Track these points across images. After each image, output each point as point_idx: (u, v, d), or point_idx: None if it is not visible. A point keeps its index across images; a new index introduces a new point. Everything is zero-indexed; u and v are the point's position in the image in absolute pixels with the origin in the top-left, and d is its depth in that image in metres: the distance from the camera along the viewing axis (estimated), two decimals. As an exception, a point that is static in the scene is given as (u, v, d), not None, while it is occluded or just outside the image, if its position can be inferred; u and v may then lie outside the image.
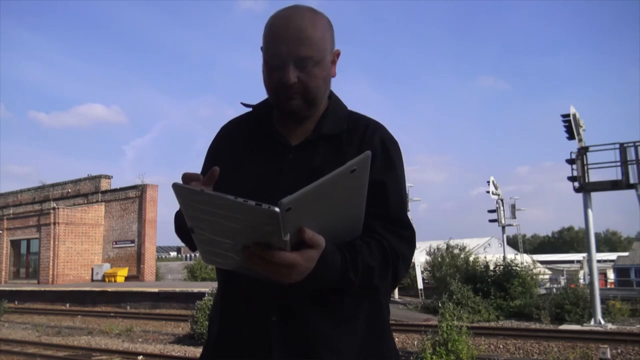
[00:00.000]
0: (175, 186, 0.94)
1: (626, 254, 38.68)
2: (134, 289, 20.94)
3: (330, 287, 1.07)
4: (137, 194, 29.02)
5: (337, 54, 1.28)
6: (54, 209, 29.22)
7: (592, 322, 13.61)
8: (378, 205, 1.14)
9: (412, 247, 1.20)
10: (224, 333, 1.22)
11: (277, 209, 0.85)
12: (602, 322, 13.53)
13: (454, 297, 15.75)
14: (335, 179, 0.93)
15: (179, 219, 1.25)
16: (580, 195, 14.77)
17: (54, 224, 28.50)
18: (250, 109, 1.36)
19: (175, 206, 1.12)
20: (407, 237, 1.19)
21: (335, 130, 1.25)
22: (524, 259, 21.44)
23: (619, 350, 10.03)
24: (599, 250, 31.41)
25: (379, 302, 1.23)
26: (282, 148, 1.25)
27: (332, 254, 1.02)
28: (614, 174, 14.61)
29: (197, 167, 1.37)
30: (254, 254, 0.92)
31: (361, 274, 1.07)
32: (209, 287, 15.13)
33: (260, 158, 1.25)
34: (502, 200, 25.29)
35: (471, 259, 21.63)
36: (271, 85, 1.22)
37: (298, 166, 1.22)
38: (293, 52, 1.16)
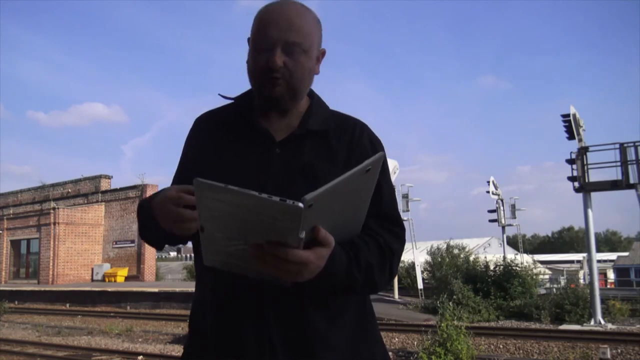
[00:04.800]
0: (196, 181, 0.91)
1: (626, 254, 38.70)
2: (134, 289, 20.96)
3: (336, 285, 1.08)
4: (137, 194, 29.01)
5: (323, 53, 1.29)
6: (54, 209, 29.21)
7: (592, 322, 13.59)
8: (372, 204, 1.14)
9: (403, 244, 1.22)
10: (215, 332, 1.19)
11: (301, 205, 0.85)
12: (602, 322, 13.52)
13: (454, 297, 15.74)
14: (352, 177, 0.94)
15: (144, 214, 1.19)
16: (580, 195, 14.77)
17: (54, 224, 28.49)
18: (229, 102, 1.34)
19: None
20: (399, 234, 1.22)
21: (322, 127, 1.25)
22: (524, 259, 21.42)
23: (619, 350, 10.02)
24: (599, 250, 31.39)
25: (364, 297, 1.25)
26: (267, 142, 1.24)
27: (339, 252, 1.04)
28: (614, 174, 14.62)
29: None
30: (267, 252, 0.92)
31: (364, 272, 1.09)
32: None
33: (244, 151, 1.23)
34: (502, 200, 25.26)
35: (471, 258, 21.62)
36: (256, 70, 1.21)
37: (286, 161, 1.21)
38: (282, 36, 1.17)
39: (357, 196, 1.02)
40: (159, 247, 1.27)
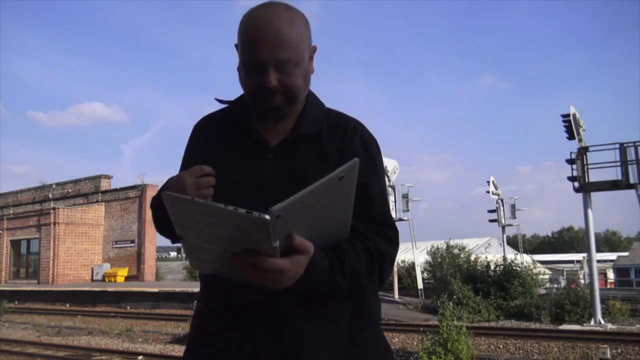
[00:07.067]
0: (165, 195, 0.95)
1: (626, 254, 38.67)
2: (134, 289, 20.97)
3: (319, 291, 1.08)
4: (137, 194, 29.03)
5: (314, 50, 1.25)
6: (54, 209, 29.21)
7: (592, 322, 13.60)
8: (362, 206, 1.13)
9: (396, 247, 1.20)
10: (208, 335, 1.22)
11: (267, 217, 0.86)
12: (602, 322, 13.53)
13: (454, 297, 15.76)
14: (324, 186, 0.93)
15: (160, 210, 1.19)
16: (580, 195, 14.77)
17: (54, 224, 28.49)
18: (225, 106, 1.34)
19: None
20: (391, 237, 1.19)
21: (315, 129, 1.24)
22: (524, 259, 21.43)
23: (619, 350, 10.02)
24: (599, 250, 31.38)
25: (363, 301, 1.23)
26: (261, 148, 1.23)
27: (321, 259, 1.03)
28: (614, 174, 14.63)
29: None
30: (244, 260, 0.93)
31: (349, 277, 1.08)
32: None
33: (239, 158, 1.23)
34: (502, 200, 25.28)
35: (472, 258, 21.64)
36: (250, 88, 1.20)
37: (279, 167, 1.20)
38: (272, 55, 1.13)
39: (334, 203, 1.01)
40: (174, 238, 1.23)
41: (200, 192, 1.10)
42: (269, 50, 1.13)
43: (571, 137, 14.86)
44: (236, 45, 1.22)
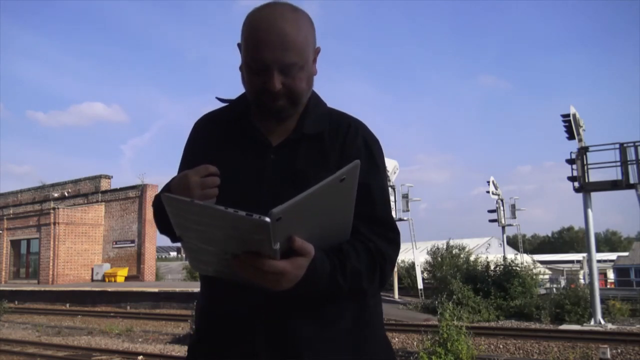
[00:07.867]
0: (164, 197, 0.95)
1: (626, 254, 38.70)
2: (134, 289, 20.97)
3: (320, 292, 1.07)
4: (137, 194, 29.03)
5: (318, 51, 1.24)
6: (54, 209, 29.22)
7: (592, 322, 13.61)
8: (363, 207, 1.12)
9: (397, 249, 1.20)
10: (208, 335, 1.21)
11: (267, 219, 0.86)
12: (602, 322, 13.54)
13: (454, 297, 15.76)
14: (325, 188, 0.93)
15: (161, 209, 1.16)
16: (580, 195, 14.78)
17: (54, 224, 28.50)
18: (226, 104, 1.33)
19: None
20: (392, 239, 1.19)
21: (317, 130, 1.23)
22: (524, 259, 21.43)
23: (619, 350, 10.03)
24: (599, 250, 31.39)
25: (364, 302, 1.22)
26: (263, 148, 1.22)
27: (322, 260, 1.03)
28: (614, 174, 14.64)
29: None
30: (245, 262, 0.93)
31: (350, 279, 1.08)
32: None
33: (240, 158, 1.22)
34: (502, 200, 25.30)
35: (472, 258, 21.66)
36: (253, 89, 1.18)
37: (280, 167, 1.20)
38: (278, 59, 1.12)
39: (335, 205, 1.00)
40: (175, 237, 1.25)
41: (205, 191, 1.10)
42: (274, 53, 1.12)
43: (571, 137, 14.86)
44: (239, 45, 1.21)
